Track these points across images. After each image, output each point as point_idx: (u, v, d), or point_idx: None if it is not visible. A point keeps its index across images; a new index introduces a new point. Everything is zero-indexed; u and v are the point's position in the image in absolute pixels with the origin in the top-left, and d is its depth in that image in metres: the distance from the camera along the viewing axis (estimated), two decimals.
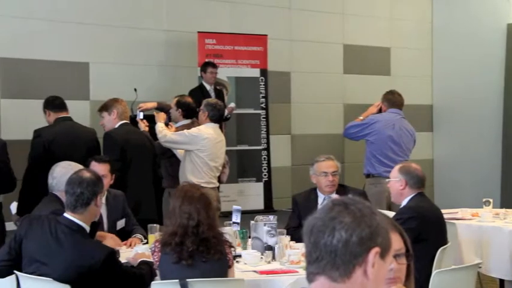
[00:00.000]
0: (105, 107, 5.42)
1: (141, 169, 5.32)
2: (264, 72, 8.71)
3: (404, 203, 4.10)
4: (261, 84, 8.70)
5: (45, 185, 4.06)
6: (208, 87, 7.65)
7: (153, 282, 3.26)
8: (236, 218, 4.42)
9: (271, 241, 3.97)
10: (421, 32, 10.35)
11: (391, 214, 4.22)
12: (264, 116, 8.70)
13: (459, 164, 9.87)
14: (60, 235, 3.13)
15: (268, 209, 8.38)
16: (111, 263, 3.13)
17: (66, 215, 3.20)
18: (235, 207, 4.56)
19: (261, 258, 3.84)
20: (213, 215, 3.30)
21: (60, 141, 5.18)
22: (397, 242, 1.85)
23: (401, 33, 10.18)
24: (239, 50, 8.58)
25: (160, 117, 5.72)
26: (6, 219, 4.94)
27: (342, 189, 4.67)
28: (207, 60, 7.96)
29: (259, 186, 8.63)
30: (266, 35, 8.68)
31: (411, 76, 10.09)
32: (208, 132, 5.53)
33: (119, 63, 7.98)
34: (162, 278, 3.28)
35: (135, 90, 7.21)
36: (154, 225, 4.29)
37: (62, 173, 3.80)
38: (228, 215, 5.03)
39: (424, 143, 9.81)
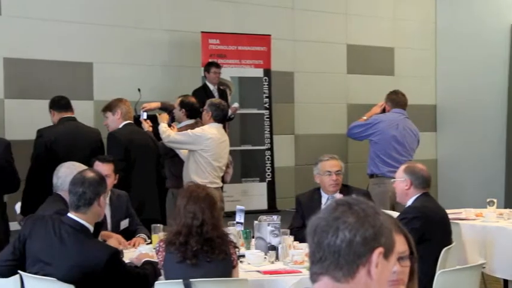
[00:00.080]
0: (109, 107, 5.43)
1: (144, 169, 5.32)
2: (267, 72, 8.71)
3: (409, 203, 4.10)
4: (264, 84, 8.70)
5: (48, 185, 4.07)
6: (211, 87, 7.66)
7: (156, 282, 3.27)
8: (240, 218, 4.42)
9: (274, 241, 3.97)
10: (425, 32, 10.34)
11: (394, 214, 4.22)
12: (267, 116, 8.70)
13: (463, 164, 9.86)
14: (64, 235, 3.14)
15: (271, 209, 8.38)
16: (114, 263, 3.13)
17: (69, 215, 3.21)
18: (238, 207, 4.56)
19: (265, 258, 3.84)
20: (218, 215, 3.30)
21: (62, 141, 5.18)
22: (401, 245, 1.84)
23: (404, 34, 10.17)
24: (243, 50, 8.58)
25: (163, 118, 5.73)
26: (11, 219, 4.95)
27: (345, 189, 4.67)
28: (210, 60, 7.97)
29: (263, 186, 8.63)
30: (269, 35, 8.68)
31: (415, 76, 10.08)
32: (212, 132, 5.53)
33: (122, 63, 7.99)
34: (166, 278, 3.28)
35: (139, 90, 7.22)
36: (158, 225, 4.30)
37: (66, 173, 3.81)
38: (231, 215, 5.03)
39: (428, 143, 9.80)
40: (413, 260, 1.91)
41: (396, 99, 6.28)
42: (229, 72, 8.35)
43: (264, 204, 8.52)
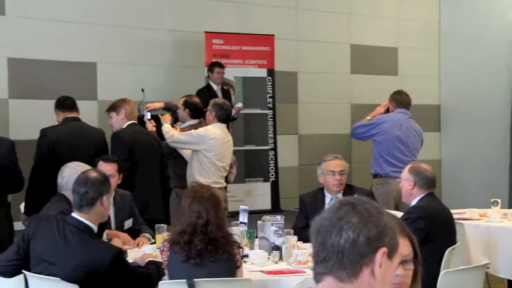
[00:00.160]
0: (113, 107, 5.44)
1: (148, 169, 5.33)
2: (271, 72, 8.71)
3: (413, 203, 4.10)
4: (268, 84, 8.70)
5: (51, 184, 4.08)
6: (215, 87, 7.66)
7: (160, 282, 3.27)
8: (243, 218, 4.42)
9: (278, 241, 3.97)
10: (429, 32, 10.33)
11: (398, 214, 4.22)
12: (271, 116, 8.70)
13: (467, 164, 9.85)
14: (68, 235, 3.14)
15: (275, 209, 8.38)
16: (118, 263, 3.13)
17: (73, 214, 3.21)
18: (242, 207, 4.57)
19: (268, 258, 3.84)
20: (222, 215, 3.31)
21: (65, 141, 5.19)
22: (405, 248, 1.83)
23: (408, 34, 10.16)
24: (246, 50, 8.58)
25: (166, 118, 5.73)
26: (15, 219, 4.96)
27: (349, 189, 4.66)
28: (214, 60, 7.97)
29: (267, 186, 8.63)
30: (273, 35, 8.68)
31: (418, 76, 10.07)
32: (215, 132, 5.53)
33: (126, 63, 8.00)
34: (171, 277, 3.28)
35: (143, 90, 7.22)
36: (162, 225, 4.31)
37: (71, 173, 3.82)
38: (235, 215, 5.03)
39: (432, 143, 9.79)
40: (417, 263, 1.90)
41: (400, 99, 6.27)
42: (232, 72, 8.35)
43: (267, 204, 8.52)
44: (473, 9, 9.93)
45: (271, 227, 4.02)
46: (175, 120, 6.04)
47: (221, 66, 7.72)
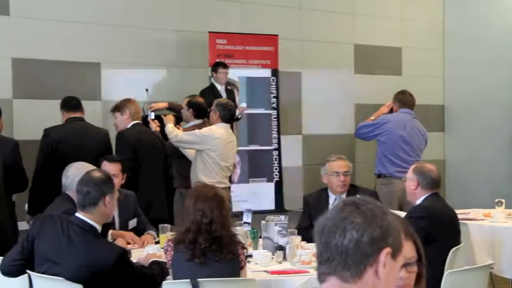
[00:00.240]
0: (118, 107, 5.45)
1: (152, 169, 5.34)
2: (275, 72, 8.70)
3: (417, 203, 4.10)
4: (272, 84, 8.70)
5: (54, 184, 4.08)
6: (219, 87, 7.66)
7: (164, 282, 3.27)
8: (247, 218, 4.42)
9: (282, 241, 3.97)
10: (433, 32, 10.31)
11: (402, 214, 4.21)
12: (275, 116, 8.70)
13: (471, 164, 9.83)
14: (72, 235, 3.15)
15: (279, 209, 8.38)
16: (122, 263, 3.14)
17: (77, 214, 3.22)
18: (246, 207, 4.57)
19: (272, 258, 3.84)
20: (227, 214, 3.31)
21: (68, 141, 5.20)
22: (408, 250, 1.83)
23: (412, 33, 10.14)
24: (250, 50, 8.58)
25: (169, 118, 5.74)
26: (19, 218, 4.97)
27: (352, 189, 4.66)
28: (218, 60, 7.97)
29: (270, 187, 8.63)
30: (277, 35, 8.68)
31: (422, 76, 10.05)
32: (219, 132, 5.53)
33: (130, 63, 8.01)
34: (175, 277, 3.29)
35: (147, 90, 7.24)
36: (166, 225, 4.31)
37: (75, 173, 3.82)
38: (239, 215, 5.03)
39: (436, 143, 9.77)
40: (420, 265, 1.89)
41: (404, 99, 6.27)
42: (236, 72, 8.35)
43: (271, 205, 8.52)
44: (477, 9, 9.91)
45: (275, 227, 4.02)
46: (178, 120, 6.04)
47: (225, 66, 7.72)
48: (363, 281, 1.43)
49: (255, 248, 4.08)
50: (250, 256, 3.81)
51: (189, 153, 5.74)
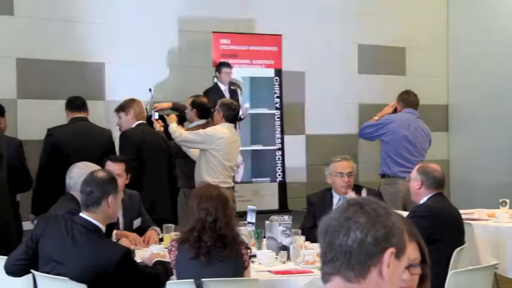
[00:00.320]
0: (122, 107, 5.46)
1: (156, 169, 5.34)
2: (278, 72, 8.70)
3: (421, 202, 4.09)
4: (275, 84, 8.70)
5: (57, 184, 4.08)
6: (222, 87, 7.67)
7: (168, 282, 3.28)
8: (251, 218, 4.42)
9: (286, 241, 3.97)
10: (437, 32, 10.30)
11: (405, 214, 4.21)
12: (278, 116, 8.70)
13: (475, 165, 9.81)
14: (77, 235, 3.15)
15: (283, 209, 8.37)
16: (126, 263, 3.14)
17: (82, 214, 3.22)
18: (250, 207, 4.57)
19: (276, 258, 3.84)
20: (230, 214, 3.32)
21: (70, 140, 5.21)
22: (412, 252, 1.82)
23: (416, 33, 10.12)
24: (254, 50, 8.58)
25: (172, 118, 5.74)
26: (24, 218, 4.98)
27: (356, 189, 4.66)
28: (221, 60, 7.98)
29: (274, 186, 8.63)
30: (280, 35, 8.67)
31: (426, 76, 10.04)
32: (223, 132, 5.54)
33: (134, 63, 8.01)
34: (179, 277, 3.29)
35: (150, 90, 7.24)
36: (170, 225, 4.32)
37: (79, 173, 3.83)
38: (243, 215, 5.03)
39: (440, 143, 9.75)
40: (424, 267, 1.88)
41: (408, 99, 6.26)
42: (240, 72, 8.35)
43: (275, 204, 8.51)
44: (481, 9, 9.89)
45: (279, 227, 4.02)
46: (181, 120, 6.04)
47: (228, 66, 7.73)
48: (366, 281, 1.43)
49: (259, 248, 4.08)
50: (254, 256, 3.81)
51: (193, 153, 5.75)
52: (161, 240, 4.26)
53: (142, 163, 5.22)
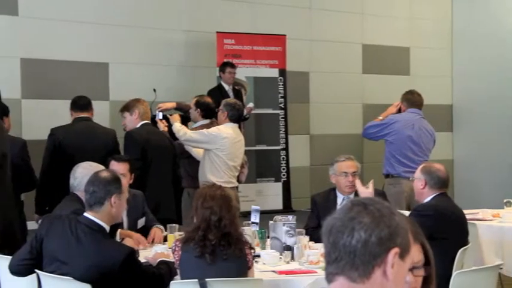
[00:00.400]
0: (127, 107, 5.46)
1: (161, 169, 5.34)
2: (282, 72, 8.70)
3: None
4: (279, 84, 8.70)
5: (59, 183, 4.08)
6: (226, 87, 7.67)
7: (172, 282, 3.28)
8: (255, 218, 4.42)
9: (290, 241, 3.96)
10: (441, 32, 10.28)
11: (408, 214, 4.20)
12: (282, 116, 8.70)
13: (479, 164, 9.79)
14: (81, 234, 3.16)
15: (287, 209, 8.38)
16: (130, 262, 3.14)
17: (86, 214, 3.23)
18: (254, 207, 4.57)
19: (280, 258, 3.84)
20: (234, 213, 3.32)
21: (73, 140, 5.21)
22: (416, 254, 1.81)
23: (420, 33, 10.11)
24: (258, 50, 8.58)
25: (175, 118, 5.74)
26: (28, 218, 4.99)
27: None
28: (225, 60, 7.98)
29: (278, 186, 8.63)
30: (284, 35, 8.68)
31: (431, 76, 10.03)
32: (227, 131, 5.54)
33: (138, 63, 8.03)
34: (182, 277, 3.29)
35: (154, 90, 7.24)
36: (174, 225, 4.32)
37: (83, 173, 3.83)
38: (246, 215, 5.03)
39: (444, 143, 9.74)
40: (429, 269, 1.87)
41: (412, 99, 6.25)
42: (244, 72, 8.36)
43: (279, 204, 8.52)
44: (485, 9, 9.87)
45: (283, 227, 4.02)
46: (185, 120, 6.04)
47: (233, 66, 7.73)
48: (371, 281, 1.43)
49: (263, 248, 4.08)
50: (258, 256, 3.81)
51: (197, 153, 5.75)
52: (165, 239, 4.26)
53: (147, 163, 5.23)
